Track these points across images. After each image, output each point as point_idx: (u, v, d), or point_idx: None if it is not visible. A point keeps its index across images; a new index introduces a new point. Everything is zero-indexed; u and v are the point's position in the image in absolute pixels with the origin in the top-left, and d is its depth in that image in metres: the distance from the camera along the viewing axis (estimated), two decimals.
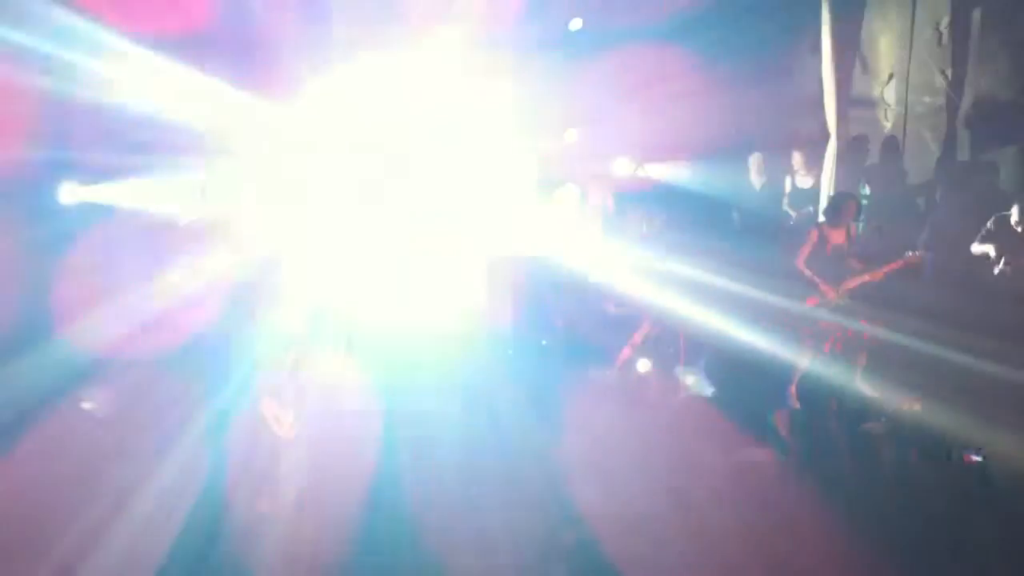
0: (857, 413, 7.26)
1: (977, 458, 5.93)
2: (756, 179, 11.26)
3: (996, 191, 8.81)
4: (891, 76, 10.45)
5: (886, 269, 7.91)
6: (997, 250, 7.98)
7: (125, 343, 6.55)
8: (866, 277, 7.94)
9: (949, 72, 9.83)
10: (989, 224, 8.07)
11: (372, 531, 5.36)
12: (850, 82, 10.00)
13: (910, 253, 7.91)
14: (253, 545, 5.03)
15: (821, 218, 8.23)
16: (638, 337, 6.82)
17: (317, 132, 9.10)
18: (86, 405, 6.29)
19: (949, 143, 9.83)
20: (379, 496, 5.36)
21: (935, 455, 6.36)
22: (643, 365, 7.44)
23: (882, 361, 8.08)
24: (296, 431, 5.73)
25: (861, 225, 8.66)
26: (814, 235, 8.03)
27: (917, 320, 7.99)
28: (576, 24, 11.66)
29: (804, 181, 10.18)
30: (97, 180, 8.72)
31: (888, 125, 10.48)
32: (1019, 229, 7.89)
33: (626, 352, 6.77)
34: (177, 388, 5.75)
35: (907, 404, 7.36)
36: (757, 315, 8.18)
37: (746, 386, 8.17)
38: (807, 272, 7.94)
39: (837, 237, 8.01)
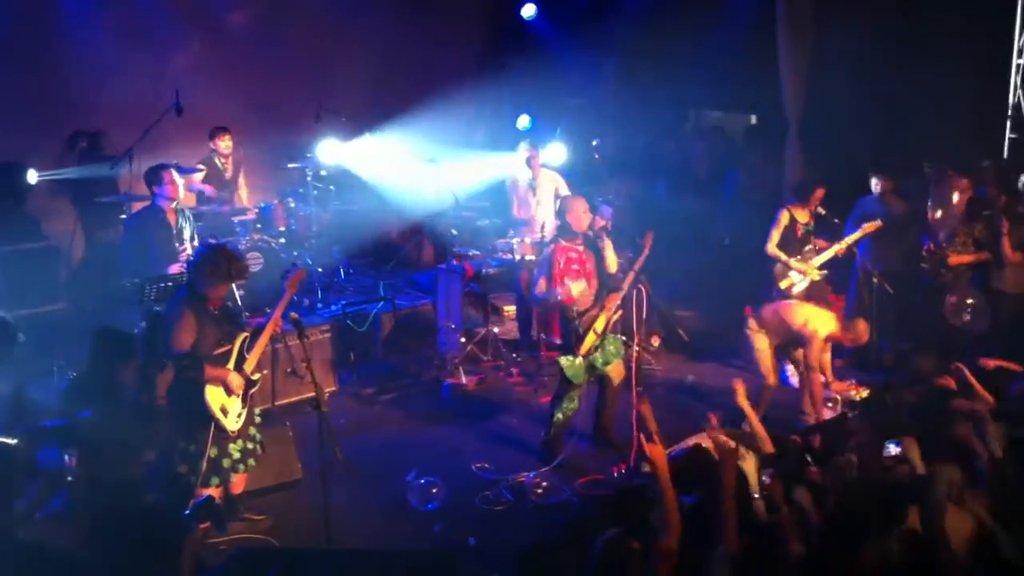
0: None
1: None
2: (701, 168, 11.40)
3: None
4: None
5: (850, 240, 7.97)
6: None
7: None
8: (834, 251, 8.01)
9: None
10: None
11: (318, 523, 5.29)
12: (806, 66, 10.03)
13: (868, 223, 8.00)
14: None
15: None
16: (600, 325, 6.80)
17: None
18: None
19: None
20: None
21: None
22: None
23: None
24: (242, 423, 5.61)
25: None
26: (784, 217, 8.04)
27: None
28: (529, 10, 11.69)
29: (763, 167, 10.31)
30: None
31: None
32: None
33: (590, 340, 6.76)
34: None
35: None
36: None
37: None
38: (781, 256, 7.96)
39: (803, 217, 8.07)
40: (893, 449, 5.35)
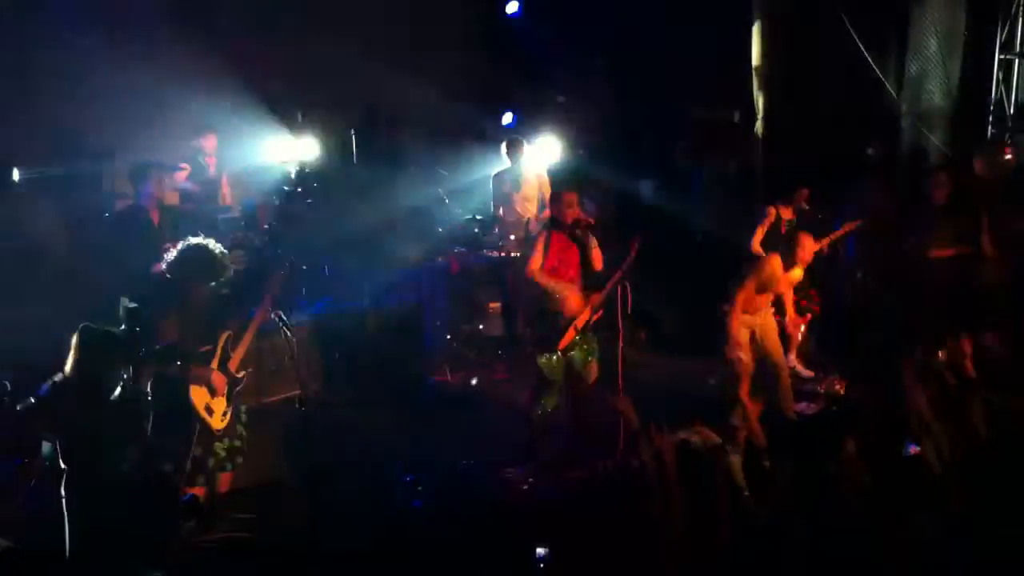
0: None
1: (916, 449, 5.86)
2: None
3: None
4: None
5: (833, 236, 8.04)
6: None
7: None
8: (816, 247, 8.05)
9: None
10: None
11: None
12: (782, 67, 10.08)
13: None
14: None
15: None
16: (580, 321, 6.79)
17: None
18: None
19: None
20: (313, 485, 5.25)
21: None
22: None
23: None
24: (228, 422, 5.60)
25: None
26: (771, 214, 8.09)
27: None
28: (512, 7, 11.67)
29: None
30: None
31: None
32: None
33: (570, 336, 6.75)
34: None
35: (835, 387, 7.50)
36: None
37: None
38: (763, 255, 8.00)
39: (788, 214, 8.13)
40: (912, 449, 5.39)
